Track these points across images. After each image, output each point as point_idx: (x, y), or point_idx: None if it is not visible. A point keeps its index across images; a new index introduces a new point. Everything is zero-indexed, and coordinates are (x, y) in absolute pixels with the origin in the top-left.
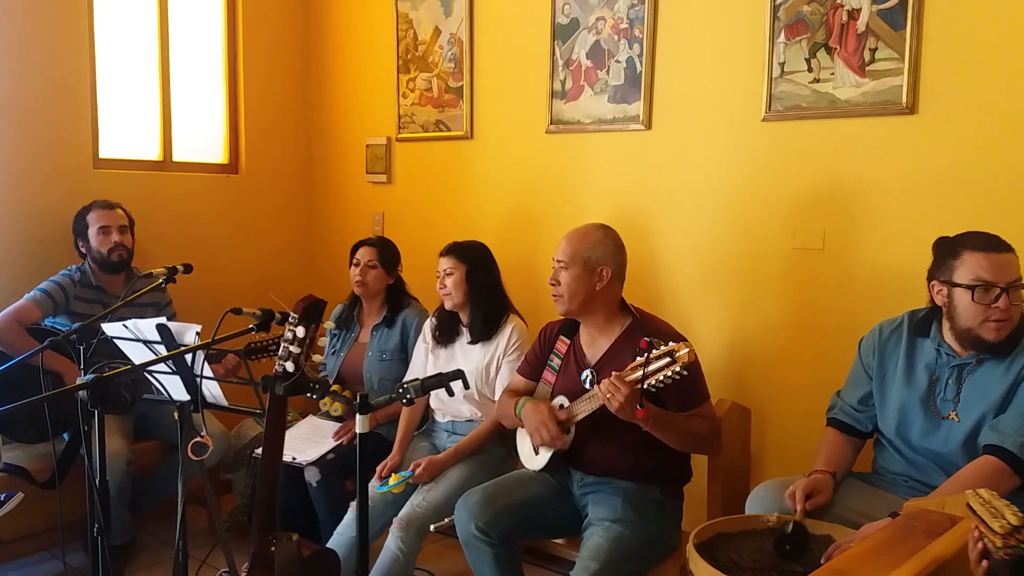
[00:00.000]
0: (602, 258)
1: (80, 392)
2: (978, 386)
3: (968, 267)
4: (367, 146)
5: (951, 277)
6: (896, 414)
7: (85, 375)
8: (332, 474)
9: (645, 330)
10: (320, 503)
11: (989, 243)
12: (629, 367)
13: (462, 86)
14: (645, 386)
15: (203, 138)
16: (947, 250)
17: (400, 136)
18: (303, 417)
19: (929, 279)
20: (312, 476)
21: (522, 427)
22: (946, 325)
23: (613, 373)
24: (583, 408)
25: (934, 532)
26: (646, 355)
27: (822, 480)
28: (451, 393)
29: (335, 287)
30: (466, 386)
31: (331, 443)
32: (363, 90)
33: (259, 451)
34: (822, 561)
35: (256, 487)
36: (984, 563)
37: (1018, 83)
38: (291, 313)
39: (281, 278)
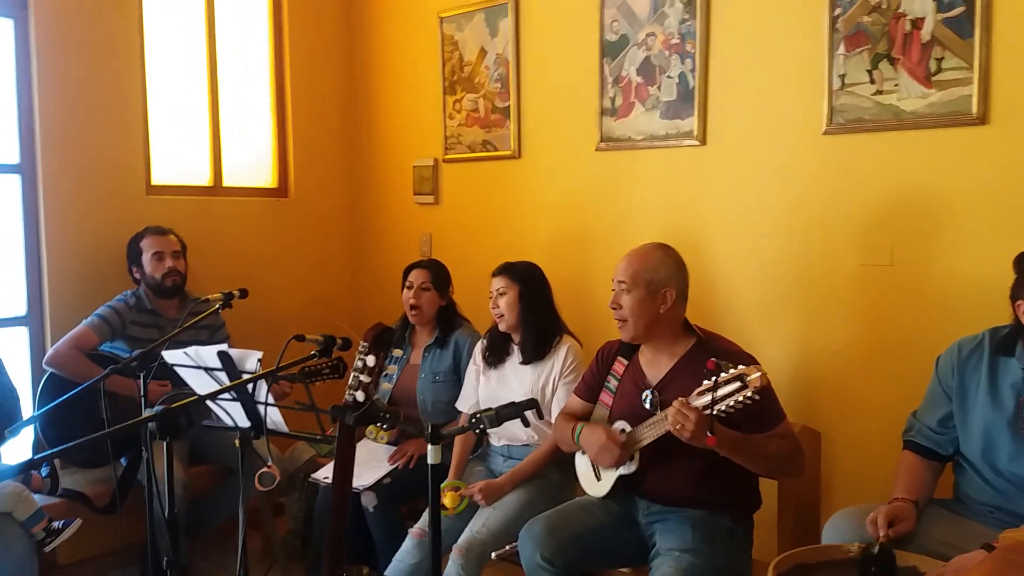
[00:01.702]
0: (665, 279)
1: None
2: None
3: None
4: (414, 167)
5: None
6: (981, 437)
7: (155, 406)
8: (388, 499)
9: (711, 350)
10: (377, 528)
11: None
12: (696, 392)
13: (508, 106)
14: (715, 411)
15: (252, 163)
16: None
17: (447, 157)
18: (357, 440)
19: (1014, 298)
20: (369, 501)
21: (581, 452)
22: None
23: (679, 400)
24: (648, 434)
25: None
26: (714, 379)
27: (905, 508)
28: (527, 423)
29: (383, 309)
30: (540, 416)
31: (387, 467)
32: (409, 112)
33: (314, 475)
34: None
35: (310, 510)
36: None
37: None
38: (361, 342)
39: (330, 301)
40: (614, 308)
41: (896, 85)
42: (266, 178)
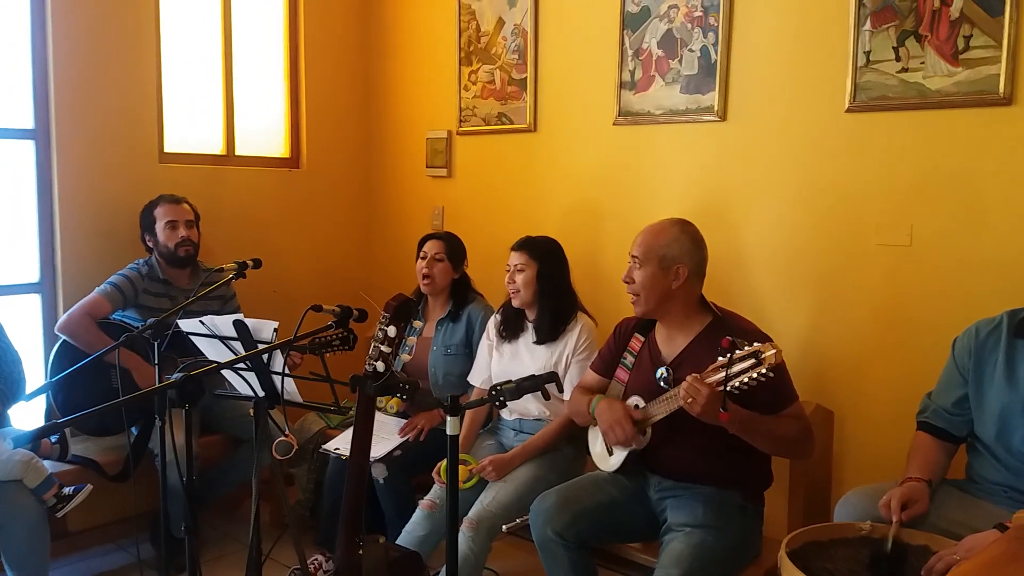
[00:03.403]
0: (678, 256)
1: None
2: None
3: None
4: (427, 139)
5: None
6: (996, 419)
7: (174, 373)
8: (399, 471)
9: (727, 329)
10: (387, 500)
11: None
12: (711, 368)
13: (526, 78)
14: (728, 388)
15: (265, 132)
16: None
17: (461, 129)
18: None
19: None
20: (379, 473)
21: (595, 425)
22: None
23: (692, 375)
24: (660, 409)
25: None
26: (729, 356)
27: (918, 488)
28: (547, 396)
29: (395, 281)
30: (560, 389)
31: (397, 439)
32: (424, 83)
33: (324, 446)
34: (923, 575)
35: (319, 481)
36: None
37: None
38: (382, 313)
39: (341, 272)
40: (627, 283)
41: (922, 63)
42: (278, 148)
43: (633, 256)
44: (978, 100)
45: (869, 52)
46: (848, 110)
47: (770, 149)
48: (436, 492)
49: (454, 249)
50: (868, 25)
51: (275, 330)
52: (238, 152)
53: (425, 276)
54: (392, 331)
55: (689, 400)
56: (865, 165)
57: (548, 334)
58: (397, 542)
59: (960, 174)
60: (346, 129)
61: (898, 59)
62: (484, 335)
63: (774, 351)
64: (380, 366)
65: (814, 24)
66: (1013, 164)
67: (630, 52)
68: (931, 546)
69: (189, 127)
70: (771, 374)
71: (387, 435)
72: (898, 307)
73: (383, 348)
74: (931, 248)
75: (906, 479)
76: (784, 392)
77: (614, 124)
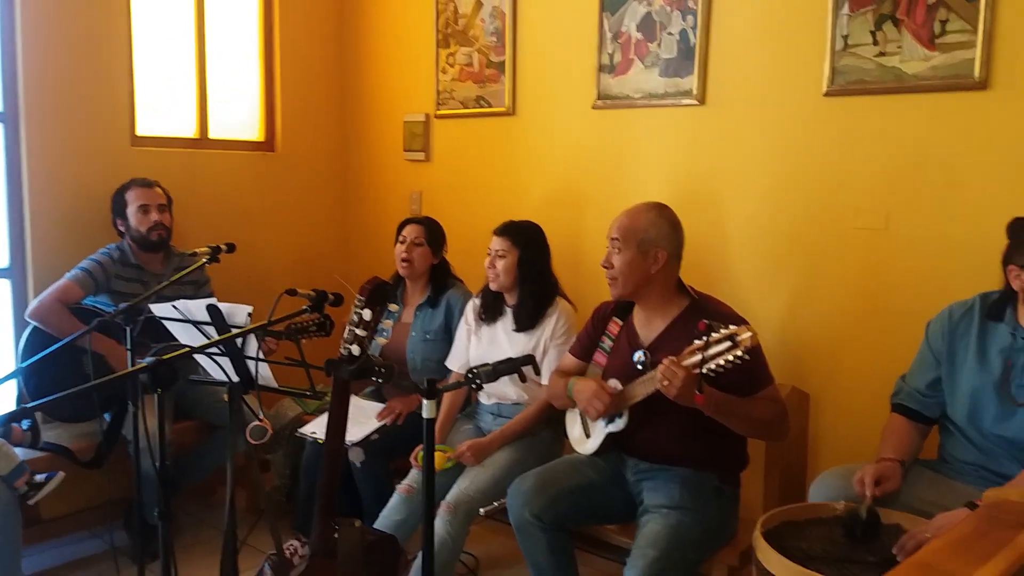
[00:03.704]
0: (656, 239)
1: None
2: None
3: None
4: (405, 123)
5: None
6: (968, 400)
7: (145, 358)
8: (376, 455)
9: (704, 312)
10: (364, 484)
11: None
12: (687, 351)
13: (504, 60)
14: (704, 370)
15: (239, 115)
16: None
17: (439, 113)
18: None
19: (1006, 263)
20: (356, 457)
21: (573, 407)
22: (1022, 310)
23: (668, 358)
24: (638, 392)
25: (1021, 524)
26: (705, 338)
27: (891, 467)
28: (524, 379)
29: (372, 266)
30: (537, 371)
31: (375, 424)
32: (401, 65)
33: (300, 431)
34: (895, 552)
35: (296, 467)
36: None
37: None
38: (357, 296)
39: (317, 257)
40: (606, 267)
41: (899, 47)
42: (253, 131)
43: (612, 240)
44: (954, 84)
45: (847, 36)
46: (826, 94)
47: (748, 133)
48: (414, 476)
49: (434, 234)
50: (846, 9)
51: (249, 314)
52: (212, 135)
53: (404, 261)
54: (367, 314)
55: (665, 383)
56: (842, 149)
57: (528, 322)
58: (374, 527)
59: (936, 158)
60: (322, 112)
61: (875, 43)
62: (462, 319)
63: (750, 334)
64: (355, 350)
65: (793, 8)
66: (987, 148)
67: (609, 35)
68: (903, 524)
69: (162, 110)
70: (747, 357)
71: (365, 419)
72: (874, 290)
73: (358, 332)
74: (907, 232)
75: (880, 459)
76: (759, 375)
77: (593, 108)
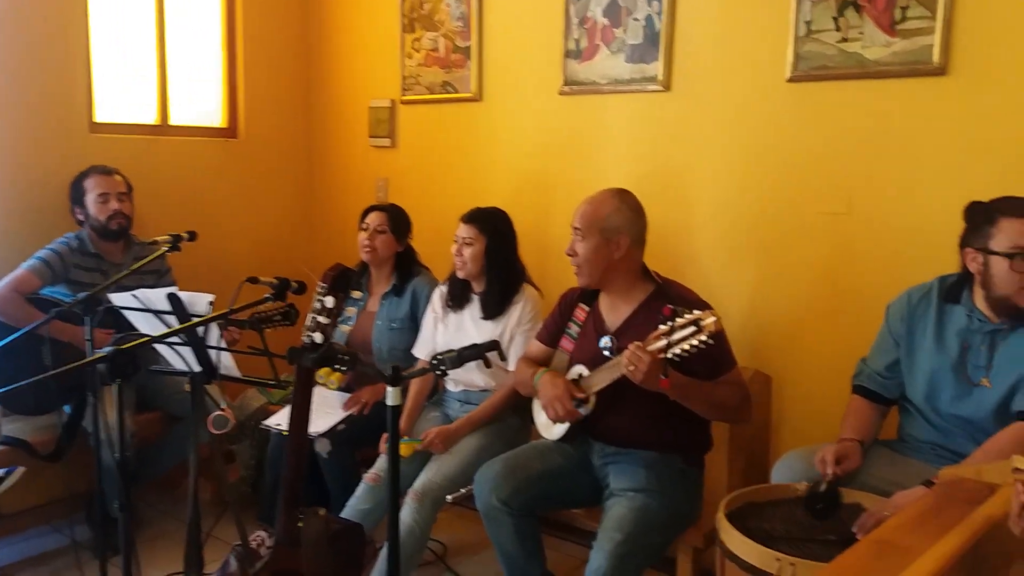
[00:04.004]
0: (619, 226)
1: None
2: (1011, 352)
3: (1006, 234)
4: (370, 108)
5: (987, 244)
6: (926, 381)
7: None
8: (342, 445)
9: (668, 297)
10: (331, 475)
11: None
12: (652, 336)
13: (470, 46)
14: (669, 355)
15: (201, 101)
16: (982, 216)
17: (405, 98)
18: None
19: (962, 246)
20: (323, 448)
21: (538, 397)
22: (979, 292)
23: (634, 343)
24: (603, 378)
25: (974, 500)
26: (670, 323)
27: (851, 447)
28: (489, 365)
29: (337, 254)
30: (502, 357)
31: (341, 414)
32: (366, 51)
33: (265, 422)
34: (854, 530)
35: (261, 457)
36: None
37: None
38: (319, 283)
39: (281, 245)
40: (570, 255)
41: (861, 33)
42: (215, 117)
43: (575, 228)
44: (913, 70)
45: (810, 22)
46: (789, 80)
47: (713, 119)
48: (380, 465)
49: (398, 221)
50: None
51: (211, 303)
52: (173, 122)
53: (367, 248)
54: (330, 302)
55: (631, 368)
56: (805, 134)
57: (495, 309)
58: (341, 516)
59: (896, 143)
60: (286, 97)
61: (838, 29)
62: (429, 307)
63: (713, 319)
64: (318, 337)
65: None
66: (946, 133)
67: (575, 20)
68: (863, 503)
69: (121, 96)
70: (711, 341)
71: (331, 409)
72: (836, 274)
73: (321, 319)
74: (868, 216)
75: (840, 440)
76: (723, 358)
77: (560, 93)
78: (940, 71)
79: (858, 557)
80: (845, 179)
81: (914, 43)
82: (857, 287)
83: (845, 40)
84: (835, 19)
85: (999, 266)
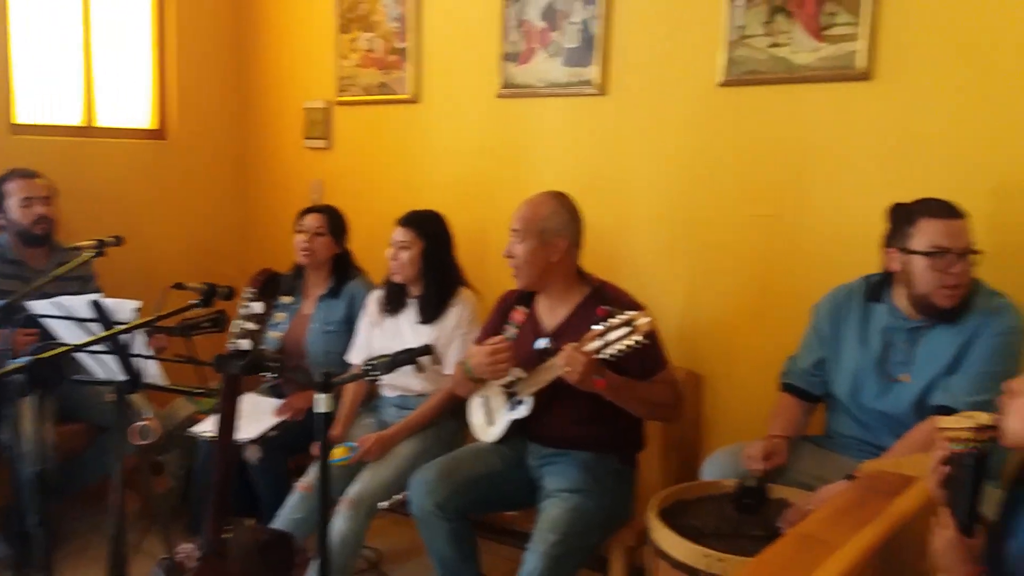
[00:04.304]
0: (557, 228)
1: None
2: (930, 349)
3: (925, 234)
4: (305, 109)
5: (908, 244)
6: (850, 378)
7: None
8: (274, 453)
9: (604, 298)
10: (261, 483)
11: (944, 210)
12: (587, 337)
13: (407, 47)
14: (604, 356)
15: (129, 102)
16: (903, 217)
17: (340, 99)
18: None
19: (885, 246)
20: (253, 455)
21: (477, 392)
22: (900, 290)
23: (569, 344)
24: (541, 379)
25: (893, 493)
26: (604, 324)
27: (778, 444)
28: (421, 369)
29: (272, 258)
30: (436, 361)
31: (273, 420)
32: (300, 51)
33: (193, 430)
34: (780, 524)
35: (190, 468)
36: (944, 468)
37: (971, 51)
38: (246, 288)
39: (214, 249)
40: (508, 257)
41: (790, 38)
42: (145, 118)
43: (514, 230)
44: (840, 75)
45: (742, 27)
46: (722, 84)
47: (648, 122)
48: (313, 473)
49: (336, 223)
50: (741, 0)
51: (137, 310)
52: (99, 123)
53: (305, 250)
54: (258, 307)
55: (568, 369)
56: (738, 138)
57: (432, 313)
58: (273, 526)
59: (823, 147)
60: (218, 98)
61: (768, 34)
62: (364, 311)
63: (647, 319)
64: (245, 344)
65: None
66: (870, 136)
67: (512, 23)
68: (789, 498)
69: (44, 96)
70: (645, 341)
71: (262, 416)
72: (765, 275)
73: (249, 326)
74: (796, 218)
75: (768, 436)
76: (656, 358)
77: (498, 96)
78: (865, 76)
79: (782, 550)
80: (775, 182)
81: (841, 48)
82: (785, 287)
83: (775, 45)
84: (765, 24)
85: (918, 265)
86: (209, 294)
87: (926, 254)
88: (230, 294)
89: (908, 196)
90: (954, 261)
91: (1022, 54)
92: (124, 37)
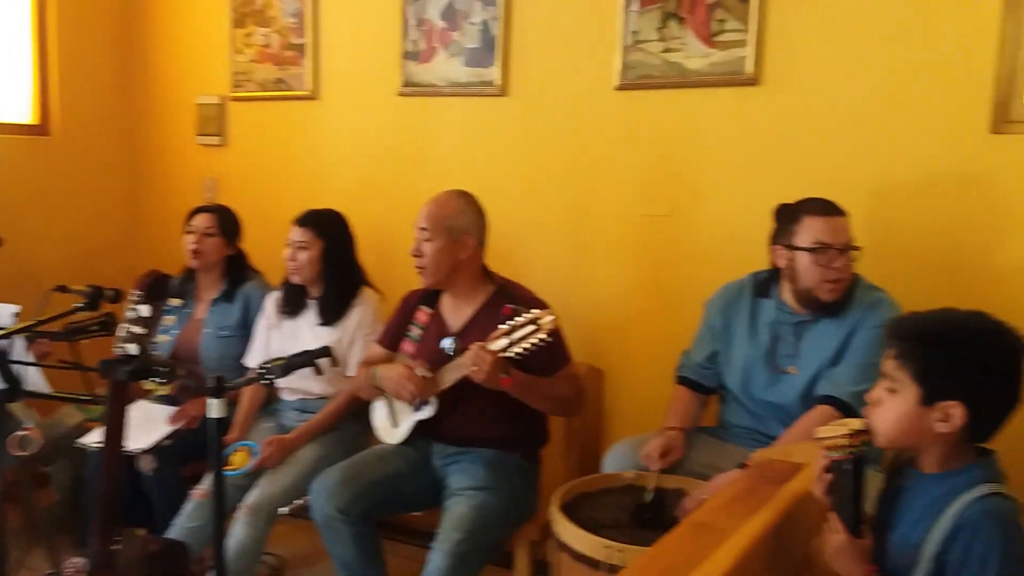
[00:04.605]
0: (465, 227)
1: None
2: (815, 342)
3: (808, 231)
4: (198, 105)
5: (792, 241)
6: (740, 370)
7: None
8: (168, 461)
9: (509, 297)
10: (156, 493)
11: (826, 208)
12: (493, 335)
13: (305, 43)
14: (510, 353)
15: (8, 95)
16: (788, 216)
17: (235, 95)
18: (131, 402)
19: (771, 243)
20: (147, 465)
21: (381, 396)
22: (786, 286)
23: (476, 343)
24: (447, 378)
25: (782, 479)
26: (511, 323)
27: (675, 437)
28: (320, 372)
29: (163, 260)
30: (335, 363)
31: (166, 428)
32: (193, 44)
33: (82, 440)
34: (678, 515)
35: (79, 479)
36: (827, 476)
37: (848, 58)
38: (133, 290)
39: (102, 250)
40: (416, 256)
41: (683, 44)
42: (24, 113)
43: (421, 229)
44: (730, 80)
45: (637, 32)
46: (617, 88)
47: (549, 124)
48: (210, 480)
49: (227, 223)
50: (636, 6)
51: (16, 314)
52: None
53: (194, 252)
54: (145, 310)
55: (474, 367)
56: (634, 140)
57: (333, 315)
58: (169, 535)
59: (714, 149)
60: (106, 92)
61: (662, 39)
62: (262, 314)
63: (551, 317)
64: (132, 349)
65: (588, 3)
66: (758, 139)
67: (412, 22)
68: (685, 488)
69: None
70: (549, 338)
71: (155, 424)
72: (661, 273)
73: (135, 329)
74: (689, 219)
75: (665, 429)
76: (560, 355)
77: (399, 94)
78: (753, 81)
79: (678, 539)
80: (668, 183)
81: (730, 54)
82: (680, 284)
83: (668, 50)
84: (659, 30)
85: (802, 260)
86: (95, 297)
87: (809, 250)
88: (117, 297)
89: (793, 196)
90: (836, 257)
91: (894, 60)
92: (1, 27)
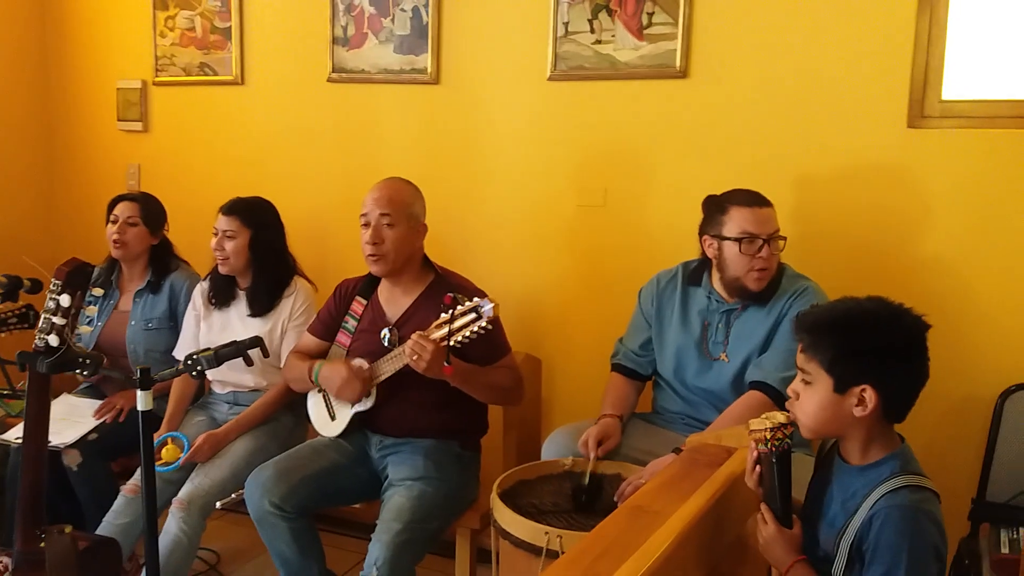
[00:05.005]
0: (420, 214)
1: None
2: (744, 329)
3: (735, 221)
4: (118, 90)
5: (720, 231)
6: (673, 357)
7: None
8: (95, 456)
9: (448, 286)
10: (83, 489)
11: (752, 199)
12: (434, 325)
13: (231, 27)
14: (451, 343)
15: None
16: (716, 207)
17: (158, 80)
18: (55, 396)
19: (700, 234)
20: (72, 460)
21: (318, 391)
22: (716, 275)
23: (417, 332)
24: (386, 369)
25: (715, 463)
26: (451, 312)
27: (611, 424)
28: (249, 363)
29: (84, 249)
30: (265, 354)
31: (92, 422)
32: (112, 27)
33: (2, 436)
34: (616, 499)
35: (3, 477)
36: (757, 468)
37: (770, 51)
38: (52, 280)
39: (18, 240)
40: (374, 243)
41: (613, 36)
42: None
43: (381, 215)
44: (659, 72)
45: (568, 23)
46: (550, 78)
47: (482, 114)
48: (140, 475)
49: (151, 212)
50: None
51: None
52: None
53: (116, 242)
54: (65, 300)
55: (415, 357)
56: (566, 131)
57: (264, 306)
58: (99, 532)
59: (645, 141)
60: (19, 74)
61: (593, 31)
62: (190, 305)
63: (491, 305)
64: (53, 340)
65: None
66: (687, 131)
67: (342, 7)
68: (622, 473)
69: None
70: (489, 327)
71: (80, 418)
72: (595, 262)
73: (56, 320)
74: (622, 208)
75: (601, 416)
76: (499, 344)
77: (328, 80)
78: (682, 74)
79: (616, 523)
80: (601, 174)
81: (659, 47)
82: (613, 274)
83: (599, 42)
84: (590, 22)
85: (730, 250)
86: (13, 287)
87: (737, 240)
88: (36, 287)
89: (722, 187)
90: (762, 246)
91: (816, 57)
92: None
